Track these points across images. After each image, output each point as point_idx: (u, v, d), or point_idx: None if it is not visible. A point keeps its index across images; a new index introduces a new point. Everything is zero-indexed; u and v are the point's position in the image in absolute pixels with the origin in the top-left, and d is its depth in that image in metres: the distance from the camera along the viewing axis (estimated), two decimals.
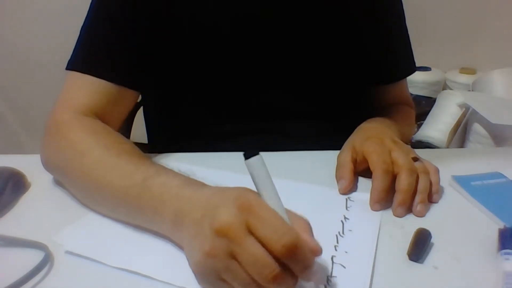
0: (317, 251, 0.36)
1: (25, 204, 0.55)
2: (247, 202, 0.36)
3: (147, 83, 0.67)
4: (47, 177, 0.60)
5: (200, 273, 0.38)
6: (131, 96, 0.65)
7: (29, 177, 0.59)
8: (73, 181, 0.54)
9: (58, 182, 0.58)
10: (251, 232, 0.35)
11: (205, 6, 0.64)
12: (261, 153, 0.38)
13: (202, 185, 0.44)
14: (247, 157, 0.37)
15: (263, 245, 0.34)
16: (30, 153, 0.63)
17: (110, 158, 0.51)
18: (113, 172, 0.49)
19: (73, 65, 0.62)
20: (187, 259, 0.41)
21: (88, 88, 0.60)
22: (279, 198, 0.38)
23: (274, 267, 0.34)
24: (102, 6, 0.63)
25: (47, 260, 0.43)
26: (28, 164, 0.60)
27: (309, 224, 0.39)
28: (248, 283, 0.35)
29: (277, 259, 0.34)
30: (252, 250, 0.34)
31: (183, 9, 0.64)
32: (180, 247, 0.44)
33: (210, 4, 0.64)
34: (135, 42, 0.63)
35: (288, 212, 0.38)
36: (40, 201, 0.55)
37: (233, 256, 0.35)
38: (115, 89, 0.61)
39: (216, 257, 0.36)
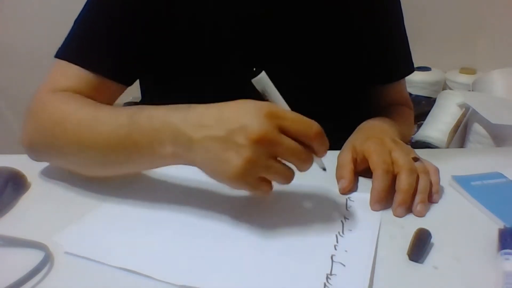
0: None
1: (25, 204, 0.54)
2: (270, 110, 0.43)
3: (136, 78, 0.68)
4: (47, 177, 0.60)
5: (240, 177, 0.43)
6: (116, 89, 0.65)
7: (29, 177, 0.58)
8: (62, 150, 0.54)
9: (58, 182, 0.58)
10: (283, 132, 0.43)
11: (205, 6, 0.64)
12: None
13: (189, 106, 0.47)
14: (253, 76, 0.44)
15: (297, 139, 0.43)
16: None
17: (90, 114, 0.52)
18: (98, 124, 0.51)
19: (60, 54, 0.62)
20: (208, 172, 0.45)
21: (72, 75, 0.61)
22: (286, 103, 0.47)
23: (307, 152, 0.44)
24: (100, 1, 0.63)
25: (47, 260, 0.43)
26: (28, 164, 0.59)
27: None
28: (285, 172, 0.45)
29: (306, 146, 0.44)
30: (291, 145, 0.43)
31: (183, 9, 0.64)
32: (191, 165, 0.46)
33: (210, 4, 0.64)
34: (129, 38, 0.63)
35: None
36: (40, 201, 0.55)
37: (272, 157, 0.43)
38: (99, 80, 0.62)
39: (257, 162, 0.42)
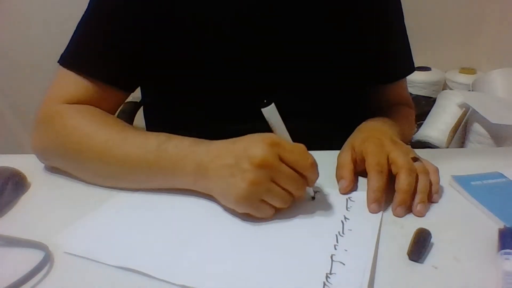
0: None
1: (25, 204, 0.54)
2: (272, 140, 0.48)
3: (139, 83, 0.69)
4: (47, 177, 0.60)
5: (245, 199, 0.47)
6: (119, 95, 0.67)
7: (29, 177, 0.58)
8: (84, 164, 0.57)
9: (58, 182, 0.58)
10: (282, 160, 0.48)
11: (206, 6, 0.64)
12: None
13: (210, 141, 0.53)
14: (263, 106, 0.48)
15: (293, 167, 0.48)
16: (30, 153, 0.63)
17: (118, 135, 0.56)
18: (126, 146, 0.55)
19: (64, 60, 0.63)
20: (220, 198, 0.51)
21: (76, 84, 0.62)
22: (288, 134, 0.51)
23: (302, 179, 0.50)
24: (101, 4, 0.64)
25: (47, 260, 0.43)
26: (28, 164, 0.60)
27: (305, 147, 0.51)
28: (284, 196, 0.49)
29: (301, 174, 0.49)
30: (287, 172, 0.48)
31: (184, 9, 0.64)
32: (205, 193, 0.53)
33: (212, 4, 0.64)
34: (130, 43, 0.64)
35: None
36: (40, 201, 0.55)
37: (272, 180, 0.48)
38: (102, 87, 0.63)
39: (260, 184, 0.47)
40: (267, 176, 0.47)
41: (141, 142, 0.55)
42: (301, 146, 0.50)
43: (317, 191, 0.56)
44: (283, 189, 0.49)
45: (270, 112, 0.49)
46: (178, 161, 0.52)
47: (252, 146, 0.48)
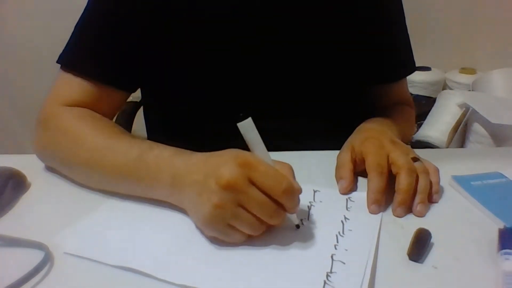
0: (300, 190, 0.45)
1: (25, 204, 0.54)
2: (245, 159, 0.43)
3: (138, 83, 0.69)
4: (47, 177, 0.60)
5: (209, 223, 0.44)
6: (120, 95, 0.67)
7: (29, 177, 0.58)
8: (73, 168, 0.57)
9: (58, 182, 0.58)
10: (252, 183, 0.43)
11: (205, 6, 0.64)
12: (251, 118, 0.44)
13: (191, 153, 0.50)
14: (239, 120, 0.43)
15: (265, 192, 0.43)
16: (30, 153, 0.63)
17: (104, 142, 0.55)
18: (110, 154, 0.54)
19: (63, 61, 0.64)
20: (190, 215, 0.48)
21: (77, 85, 0.63)
22: (267, 152, 0.45)
23: (275, 207, 0.43)
24: (98, 4, 0.64)
25: (47, 260, 0.43)
26: (28, 164, 0.60)
27: (292, 168, 0.47)
28: (253, 223, 0.44)
29: (274, 200, 0.43)
30: (256, 197, 0.43)
31: (181, 8, 0.63)
32: (179, 207, 0.50)
33: (211, 4, 0.64)
34: (128, 43, 0.64)
35: (274, 161, 0.46)
36: (40, 201, 0.55)
37: (240, 205, 0.43)
38: (103, 88, 0.63)
39: (225, 208, 0.42)
40: (233, 200, 0.42)
41: (124, 151, 0.53)
42: (285, 167, 0.46)
43: (303, 218, 0.50)
44: (254, 215, 0.43)
45: (246, 128, 0.44)
46: (156, 172, 0.50)
47: (222, 164, 0.43)
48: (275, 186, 0.43)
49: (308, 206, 0.53)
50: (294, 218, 0.47)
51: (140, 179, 0.51)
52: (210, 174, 0.44)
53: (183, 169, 0.48)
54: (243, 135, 0.44)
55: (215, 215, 0.43)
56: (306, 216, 0.51)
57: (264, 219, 0.44)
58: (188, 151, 0.51)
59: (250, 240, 0.45)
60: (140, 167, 0.51)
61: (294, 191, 0.44)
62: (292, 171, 0.47)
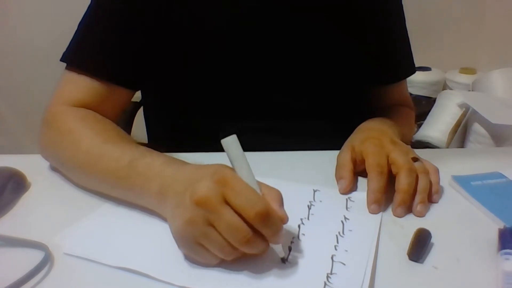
0: (284, 219, 0.41)
1: (25, 204, 0.54)
2: (223, 176, 0.40)
3: (142, 82, 0.69)
4: (47, 177, 0.60)
5: (180, 238, 0.42)
6: (125, 94, 0.67)
7: (29, 177, 0.58)
8: (70, 169, 0.58)
9: (58, 182, 0.58)
10: (227, 202, 0.39)
11: (205, 7, 0.64)
12: (238, 137, 0.41)
13: (183, 163, 0.49)
14: (222, 136, 0.41)
15: (238, 213, 0.39)
16: (30, 153, 0.63)
17: (100, 146, 0.55)
18: (103, 159, 0.53)
19: (67, 59, 0.64)
20: (170, 227, 0.44)
21: (81, 84, 0.63)
22: (251, 172, 0.42)
23: (247, 232, 0.39)
24: (102, 3, 0.64)
25: (47, 260, 0.43)
26: (28, 164, 0.60)
27: (280, 195, 0.42)
28: (223, 246, 0.40)
29: (250, 225, 0.39)
30: (228, 218, 0.39)
31: (183, 9, 0.64)
32: (163, 217, 0.48)
33: (211, 4, 0.64)
34: (132, 41, 0.64)
35: (261, 184, 0.43)
36: (40, 201, 0.55)
37: (210, 224, 0.39)
38: (107, 87, 0.63)
39: (195, 225, 0.40)
40: (204, 218, 0.39)
41: (116, 157, 0.53)
42: (272, 193, 0.42)
43: (290, 249, 0.44)
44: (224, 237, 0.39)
45: (230, 144, 0.41)
46: (145, 180, 0.48)
47: (200, 179, 0.41)
48: (246, 207, 0.38)
49: (308, 206, 0.53)
50: (279, 250, 0.42)
51: (130, 187, 0.50)
52: (188, 187, 0.41)
53: (170, 179, 0.46)
54: (226, 152, 0.41)
55: (185, 230, 0.41)
56: (306, 215, 0.51)
57: (233, 243, 0.39)
58: (182, 161, 0.50)
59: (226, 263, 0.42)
60: (130, 175, 0.50)
61: (270, 216, 0.39)
62: (280, 197, 0.42)
